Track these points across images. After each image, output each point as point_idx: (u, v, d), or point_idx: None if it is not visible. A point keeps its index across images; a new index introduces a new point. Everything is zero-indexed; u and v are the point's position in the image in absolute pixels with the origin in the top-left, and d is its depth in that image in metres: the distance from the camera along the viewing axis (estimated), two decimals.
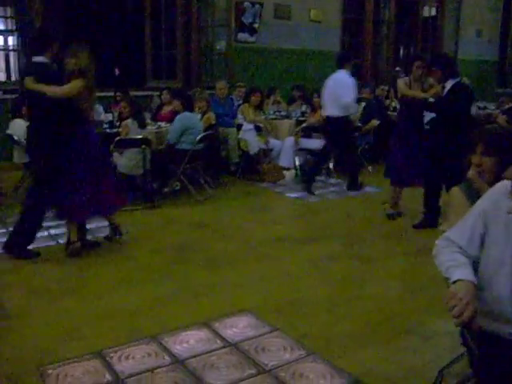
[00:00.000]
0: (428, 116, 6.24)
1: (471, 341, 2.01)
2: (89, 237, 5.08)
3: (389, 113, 9.14)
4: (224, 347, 3.19)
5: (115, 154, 6.33)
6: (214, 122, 7.26)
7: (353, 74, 7.13)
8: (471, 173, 2.40)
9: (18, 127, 6.39)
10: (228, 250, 4.99)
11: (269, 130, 8.09)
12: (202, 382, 2.84)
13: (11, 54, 10.47)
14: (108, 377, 2.89)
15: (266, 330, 3.41)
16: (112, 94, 8.26)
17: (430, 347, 3.28)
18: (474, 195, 2.40)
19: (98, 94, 5.30)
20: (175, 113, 6.95)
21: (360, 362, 3.11)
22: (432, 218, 5.67)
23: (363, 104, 8.71)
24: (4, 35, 10.78)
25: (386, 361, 3.13)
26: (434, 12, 13.38)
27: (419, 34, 13.20)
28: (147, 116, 7.55)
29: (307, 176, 7.44)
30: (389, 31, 12.51)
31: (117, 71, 9.84)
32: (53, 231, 5.38)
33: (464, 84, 5.89)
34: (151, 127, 6.98)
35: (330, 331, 3.47)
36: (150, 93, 9.38)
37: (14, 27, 9.41)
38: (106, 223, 5.22)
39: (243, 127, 7.93)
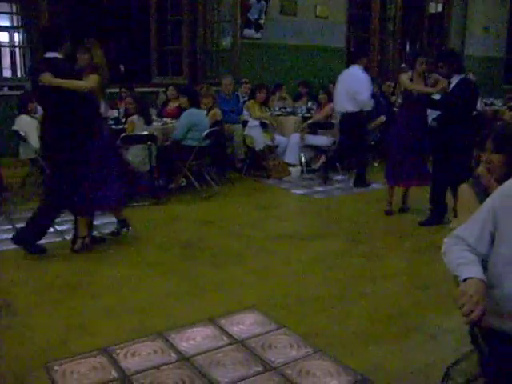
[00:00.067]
0: (434, 114, 6.22)
1: (481, 339, 1.99)
2: (94, 233, 5.07)
3: (395, 109, 9.10)
4: (230, 344, 3.18)
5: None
6: (219, 119, 7.24)
7: (366, 70, 7.13)
8: (480, 170, 2.38)
9: (24, 123, 6.41)
10: (234, 247, 4.99)
11: (274, 127, 8.07)
12: (209, 379, 2.83)
13: (17, 50, 10.51)
14: (114, 373, 2.88)
15: (272, 327, 3.40)
16: (117, 90, 8.25)
17: (436, 345, 3.26)
18: (482, 192, 2.38)
19: None
20: (181, 109, 6.95)
21: (367, 359, 3.09)
22: (438, 215, 5.65)
23: None
24: (9, 32, 10.81)
25: (392, 358, 3.11)
26: (440, 8, 13.32)
27: (425, 31, 13.15)
28: (153, 112, 7.54)
29: (323, 174, 7.47)
30: (395, 27, 12.45)
31: (122, 67, 9.84)
32: (59, 227, 5.37)
33: (470, 80, 5.86)
34: (157, 123, 6.98)
35: (336, 328, 3.45)
36: (155, 89, 9.38)
37: (20, 24, 9.41)
38: (112, 219, 5.23)
39: (249, 123, 7.92)
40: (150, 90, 9.36)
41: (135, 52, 10.51)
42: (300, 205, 6.85)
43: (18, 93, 7.35)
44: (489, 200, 2.12)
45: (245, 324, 3.43)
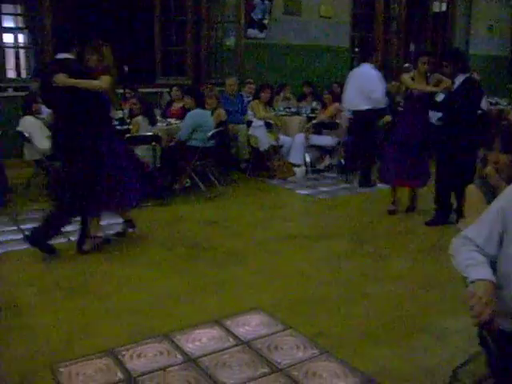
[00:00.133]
0: (439, 113, 6.19)
1: (490, 341, 1.98)
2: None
3: (399, 108, 9.07)
4: (236, 345, 3.17)
5: None
6: (224, 119, 7.24)
7: (376, 67, 7.15)
8: (488, 169, 2.36)
9: (29, 124, 6.41)
10: (239, 247, 4.97)
11: (279, 127, 8.06)
12: (215, 380, 2.82)
13: (21, 51, 10.53)
14: (120, 375, 2.87)
15: (278, 328, 3.39)
16: (121, 91, 8.24)
17: (443, 346, 3.25)
18: (490, 193, 2.37)
19: None
20: (185, 109, 6.94)
21: (373, 360, 3.08)
22: (444, 215, 5.64)
23: None
24: (14, 33, 10.82)
25: (399, 359, 3.10)
26: (444, 7, 13.28)
27: (430, 30, 13.12)
28: (157, 113, 7.54)
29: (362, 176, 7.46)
30: (399, 27, 12.43)
31: (126, 68, 9.83)
32: (63, 228, 5.37)
33: (474, 79, 5.84)
34: (161, 124, 6.97)
35: (342, 329, 3.44)
36: (159, 90, 9.38)
37: (24, 25, 9.43)
38: (117, 220, 5.23)
39: (253, 124, 7.90)
40: (154, 90, 9.36)
41: (139, 52, 10.49)
42: (305, 205, 6.83)
43: (23, 94, 7.36)
44: (497, 200, 2.10)
45: (250, 325, 3.42)
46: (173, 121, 7.27)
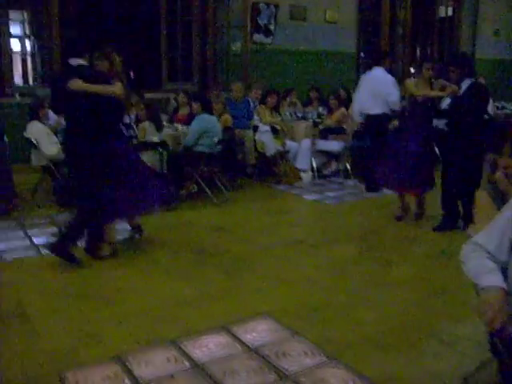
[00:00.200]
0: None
1: (502, 348, 1.96)
2: None
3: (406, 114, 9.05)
4: (244, 352, 3.15)
5: None
6: (230, 124, 7.24)
7: (389, 71, 7.18)
8: (498, 175, 2.35)
9: (36, 130, 6.43)
10: (246, 253, 4.96)
11: (285, 132, 8.06)
12: None
13: (28, 58, 10.55)
14: (127, 382, 2.86)
15: (285, 334, 3.37)
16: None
17: (453, 353, 3.21)
18: (500, 198, 2.35)
19: None
20: (192, 115, 6.94)
21: (382, 367, 3.06)
22: (452, 221, 5.61)
23: None
24: (21, 39, 10.85)
25: (408, 366, 3.07)
26: (450, 12, 13.27)
27: (436, 34, 13.10)
28: (164, 118, 7.54)
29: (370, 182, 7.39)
30: (405, 31, 12.43)
31: (132, 74, 9.86)
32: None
33: (480, 83, 5.82)
34: (168, 130, 6.98)
35: (350, 335, 3.41)
36: (165, 95, 9.39)
37: (31, 31, 9.46)
38: (123, 226, 5.22)
39: (259, 129, 7.90)
40: (160, 96, 9.37)
41: (145, 58, 10.52)
42: (311, 210, 6.82)
43: (30, 100, 7.37)
44: (508, 206, 2.08)
45: (258, 331, 3.40)
46: (179, 126, 7.26)
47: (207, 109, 6.61)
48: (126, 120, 7.04)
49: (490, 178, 2.41)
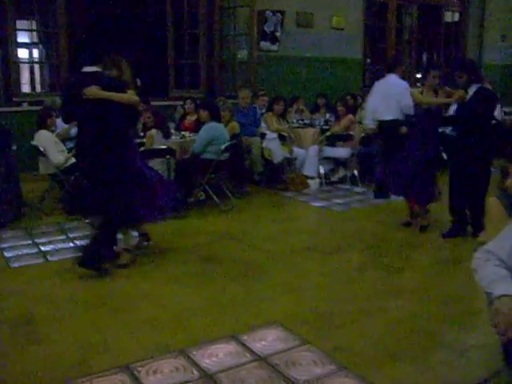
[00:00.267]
0: None
1: None
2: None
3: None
4: (253, 361, 3.13)
5: None
6: (237, 132, 7.23)
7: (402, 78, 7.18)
8: (509, 182, 2.32)
9: (44, 138, 6.44)
10: (254, 261, 4.94)
11: (293, 139, 8.04)
12: None
13: (35, 66, 10.62)
14: None
15: (295, 343, 3.35)
16: None
17: (464, 362, 3.18)
18: (511, 206, 2.33)
19: None
20: (199, 122, 6.94)
21: (392, 376, 3.03)
22: (460, 227, 5.57)
23: None
24: (29, 48, 10.94)
25: (418, 375, 3.04)
26: (456, 17, 13.25)
27: (442, 40, 13.09)
28: (171, 126, 7.55)
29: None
30: (411, 37, 12.42)
31: (138, 81, 9.87)
32: (78, 242, 5.38)
33: (487, 89, 5.80)
34: (175, 137, 6.98)
35: (360, 344, 3.38)
36: (172, 103, 9.41)
37: (39, 40, 9.51)
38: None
39: (267, 136, 7.90)
40: (167, 103, 9.39)
41: (152, 66, 10.55)
42: (319, 217, 6.80)
43: (37, 108, 7.40)
44: None
45: (267, 340, 3.38)
46: (186, 134, 7.27)
47: (215, 117, 6.60)
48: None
49: (500, 185, 2.39)
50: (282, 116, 8.22)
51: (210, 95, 9.63)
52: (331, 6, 10.66)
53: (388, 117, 6.90)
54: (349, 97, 9.15)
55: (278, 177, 7.95)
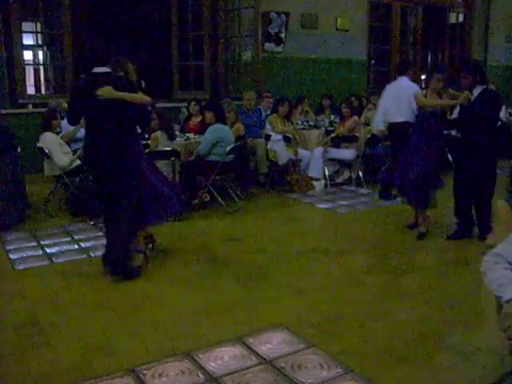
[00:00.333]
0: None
1: None
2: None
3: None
4: (259, 364, 3.11)
5: None
6: (242, 133, 7.22)
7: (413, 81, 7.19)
8: None
9: (49, 140, 6.44)
10: (259, 263, 4.93)
11: (298, 141, 8.03)
12: None
13: (40, 68, 10.64)
14: None
15: (301, 346, 3.33)
16: None
17: (471, 365, 3.16)
18: None
19: None
20: (204, 124, 6.93)
21: (399, 379, 3.01)
22: (466, 229, 5.55)
23: None
24: (33, 50, 10.94)
25: (426, 379, 3.03)
26: (461, 18, 13.21)
27: (447, 41, 13.05)
28: (176, 128, 7.54)
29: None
30: (416, 38, 12.39)
31: (143, 83, 9.87)
32: (83, 244, 5.38)
33: (492, 90, 5.77)
34: (180, 139, 6.97)
35: (366, 347, 3.37)
36: (177, 104, 9.41)
37: (43, 42, 9.52)
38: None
39: (272, 138, 7.89)
40: (172, 105, 9.39)
41: (156, 67, 10.55)
42: (324, 219, 6.78)
43: (42, 110, 7.40)
44: None
45: (273, 343, 3.37)
46: (191, 136, 7.26)
47: (221, 118, 6.59)
48: (138, 129, 7.06)
49: (509, 187, 2.36)
50: (287, 117, 8.20)
51: (214, 97, 9.63)
52: (336, 7, 10.64)
53: (399, 119, 6.89)
54: (353, 98, 9.13)
55: (283, 178, 7.94)
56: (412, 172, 5.47)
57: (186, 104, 8.80)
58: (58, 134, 6.75)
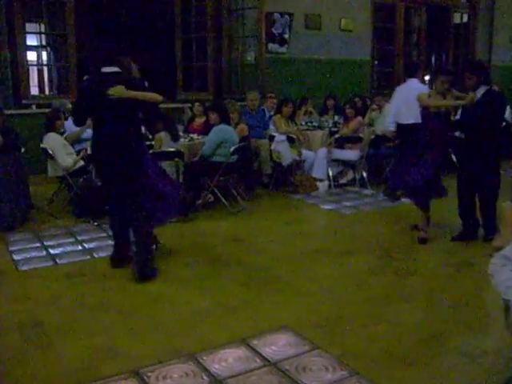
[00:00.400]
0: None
1: None
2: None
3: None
4: (264, 366, 3.10)
5: None
6: (246, 134, 7.21)
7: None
8: None
9: (52, 141, 6.44)
10: (263, 264, 4.92)
11: (301, 141, 8.01)
12: None
13: (44, 68, 10.64)
14: None
15: (306, 348, 3.32)
16: None
17: (477, 367, 3.13)
18: None
19: None
20: (207, 125, 6.92)
21: (404, 381, 3.00)
22: (471, 230, 5.52)
23: None
24: (37, 50, 10.94)
25: (431, 381, 3.02)
26: (465, 19, 13.18)
27: (451, 41, 13.02)
28: (179, 128, 7.53)
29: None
30: (420, 39, 12.36)
31: (146, 84, 9.87)
32: (87, 245, 5.38)
33: (496, 90, 5.74)
34: (184, 140, 6.96)
35: (371, 349, 3.35)
36: (180, 105, 9.40)
37: (47, 42, 9.52)
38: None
39: (276, 138, 7.87)
40: (176, 106, 9.38)
41: (160, 68, 10.55)
42: (328, 220, 6.76)
43: (46, 110, 7.40)
44: None
45: (277, 345, 3.35)
46: (195, 136, 7.26)
47: (225, 119, 6.58)
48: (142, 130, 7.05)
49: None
50: (291, 118, 8.18)
51: (218, 97, 9.62)
52: (339, 7, 10.63)
53: (409, 120, 6.89)
54: (357, 99, 9.12)
55: (287, 179, 7.93)
56: (413, 176, 5.45)
57: (189, 105, 8.79)
58: (61, 134, 6.75)
